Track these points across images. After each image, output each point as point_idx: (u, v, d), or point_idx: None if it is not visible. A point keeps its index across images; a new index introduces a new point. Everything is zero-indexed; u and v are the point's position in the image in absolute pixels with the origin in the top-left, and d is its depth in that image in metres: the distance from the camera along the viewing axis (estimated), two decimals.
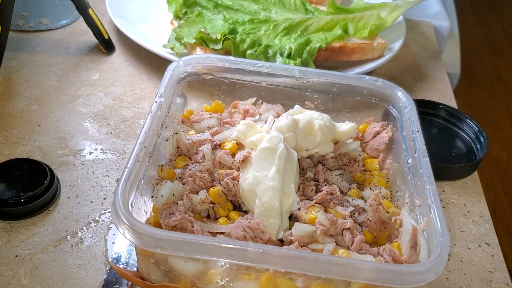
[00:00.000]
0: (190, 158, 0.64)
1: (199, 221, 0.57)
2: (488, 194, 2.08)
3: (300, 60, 0.88)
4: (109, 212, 0.67)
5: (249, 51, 0.87)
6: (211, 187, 0.60)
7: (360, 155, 0.68)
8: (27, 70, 0.91)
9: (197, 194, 0.59)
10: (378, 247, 0.56)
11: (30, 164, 0.69)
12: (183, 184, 0.60)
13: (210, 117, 0.69)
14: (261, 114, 0.71)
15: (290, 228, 0.57)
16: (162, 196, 0.57)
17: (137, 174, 0.54)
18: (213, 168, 0.63)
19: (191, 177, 0.60)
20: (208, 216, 0.59)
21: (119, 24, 0.96)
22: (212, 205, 0.59)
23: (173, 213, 0.55)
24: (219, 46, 0.88)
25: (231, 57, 0.72)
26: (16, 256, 0.61)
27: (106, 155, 0.76)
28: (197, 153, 0.63)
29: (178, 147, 0.65)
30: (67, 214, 0.66)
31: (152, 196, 0.58)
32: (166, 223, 0.54)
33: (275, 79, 0.71)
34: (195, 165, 0.62)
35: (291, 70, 0.70)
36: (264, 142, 0.59)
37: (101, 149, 0.76)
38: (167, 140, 0.64)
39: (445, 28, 1.28)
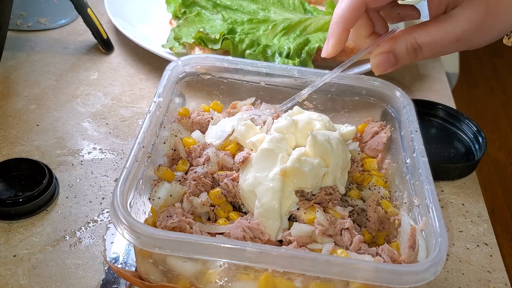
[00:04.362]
0: (189, 161, 0.64)
1: (198, 222, 0.57)
2: (486, 194, 2.09)
3: (298, 60, 0.88)
4: (107, 212, 0.67)
5: (248, 51, 0.87)
6: (211, 189, 0.60)
7: (359, 154, 0.68)
8: (26, 70, 0.91)
9: (198, 197, 0.59)
10: (377, 247, 0.56)
11: (29, 164, 0.69)
12: (183, 186, 0.60)
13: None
14: None
15: (289, 229, 0.57)
16: (159, 198, 0.57)
17: (135, 174, 0.54)
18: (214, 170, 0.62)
19: (194, 180, 0.60)
20: (209, 219, 0.59)
21: (118, 24, 0.96)
22: (212, 207, 0.59)
23: (171, 216, 0.55)
24: (218, 46, 0.88)
25: (229, 57, 0.72)
26: (15, 256, 0.61)
27: (105, 155, 0.76)
28: (200, 156, 0.63)
29: (174, 150, 0.64)
30: (66, 214, 0.66)
31: (150, 198, 0.58)
32: (163, 225, 0.54)
33: (274, 79, 0.70)
34: (199, 168, 0.61)
35: (290, 70, 0.70)
36: (264, 143, 0.59)
37: (99, 149, 0.76)
38: (164, 143, 0.64)
39: None
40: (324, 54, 0.62)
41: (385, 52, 0.58)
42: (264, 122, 0.68)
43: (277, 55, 0.89)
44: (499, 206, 2.09)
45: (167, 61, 0.77)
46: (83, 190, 0.70)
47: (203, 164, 0.62)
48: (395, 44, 0.57)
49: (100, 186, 0.71)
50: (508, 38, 0.57)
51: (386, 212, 0.60)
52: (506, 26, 0.54)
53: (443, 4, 0.54)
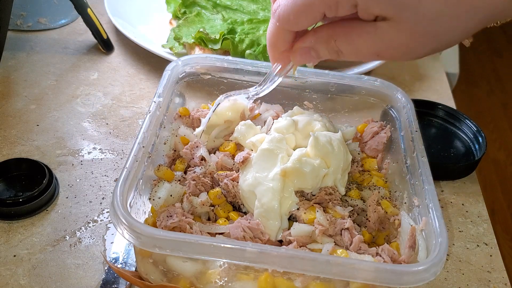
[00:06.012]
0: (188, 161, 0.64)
1: (198, 222, 0.57)
2: (486, 194, 2.08)
3: None
4: (107, 212, 0.67)
5: (248, 51, 0.87)
6: (211, 189, 0.60)
7: (359, 154, 0.68)
8: (26, 70, 0.91)
9: (198, 197, 0.59)
10: (377, 247, 0.56)
11: (29, 164, 0.69)
12: (183, 186, 0.60)
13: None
14: (260, 114, 0.71)
15: (289, 229, 0.57)
16: (159, 198, 0.57)
17: (135, 174, 0.54)
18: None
19: (194, 180, 0.60)
20: (209, 219, 0.59)
21: (118, 24, 0.96)
22: (212, 207, 0.59)
23: (171, 216, 0.55)
24: (218, 46, 0.88)
25: (229, 57, 0.72)
26: (15, 256, 0.61)
27: (105, 155, 0.76)
28: (193, 158, 0.63)
29: (175, 150, 0.64)
30: (66, 214, 0.66)
31: (150, 198, 0.58)
32: (163, 225, 0.54)
33: None
34: (197, 168, 0.61)
35: None
36: (264, 144, 0.59)
37: (99, 149, 0.76)
38: (164, 143, 0.64)
39: None
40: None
41: (306, 47, 0.54)
42: (265, 122, 0.68)
43: None
44: (499, 206, 2.09)
45: (167, 61, 0.77)
46: (83, 190, 0.70)
47: (199, 163, 0.62)
48: (316, 43, 0.53)
49: (100, 186, 0.71)
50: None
51: (386, 212, 0.60)
52: (436, 49, 0.49)
53: (371, 14, 0.48)
